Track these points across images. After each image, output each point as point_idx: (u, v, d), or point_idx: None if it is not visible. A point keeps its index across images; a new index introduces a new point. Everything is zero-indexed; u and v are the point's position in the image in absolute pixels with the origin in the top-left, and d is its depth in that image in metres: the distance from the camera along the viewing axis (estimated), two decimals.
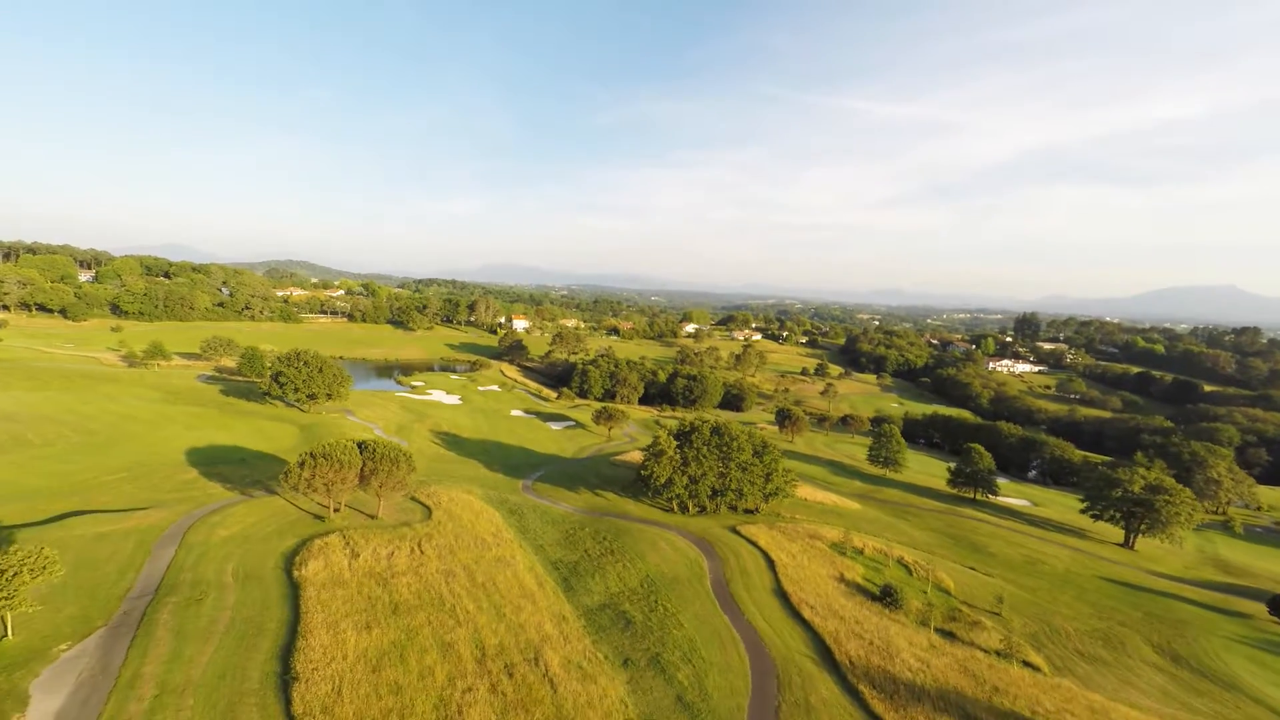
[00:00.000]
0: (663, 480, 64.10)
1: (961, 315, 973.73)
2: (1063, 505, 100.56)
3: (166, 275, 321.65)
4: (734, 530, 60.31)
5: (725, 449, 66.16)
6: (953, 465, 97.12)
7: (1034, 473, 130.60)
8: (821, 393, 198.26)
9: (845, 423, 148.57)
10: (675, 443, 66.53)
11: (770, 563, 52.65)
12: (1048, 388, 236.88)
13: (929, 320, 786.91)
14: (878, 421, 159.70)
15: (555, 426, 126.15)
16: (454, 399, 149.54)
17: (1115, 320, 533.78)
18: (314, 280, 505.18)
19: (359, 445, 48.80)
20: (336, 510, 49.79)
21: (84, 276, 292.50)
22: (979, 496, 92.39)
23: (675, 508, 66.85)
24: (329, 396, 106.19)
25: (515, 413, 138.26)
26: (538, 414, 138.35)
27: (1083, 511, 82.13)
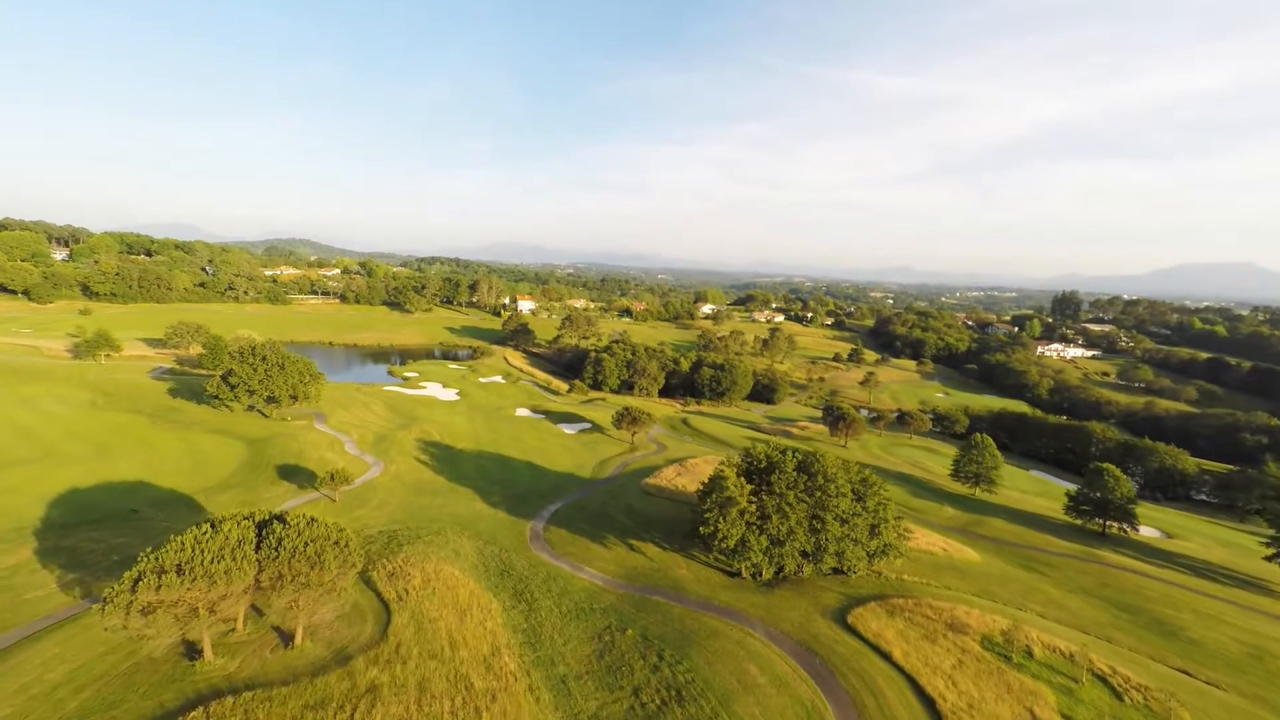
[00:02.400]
0: (733, 542, 44.48)
1: (974, 294, 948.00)
2: (1206, 537, 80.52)
3: (148, 253, 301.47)
4: (844, 624, 40.68)
5: (819, 493, 46.26)
6: (1072, 490, 77.07)
7: (1134, 484, 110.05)
8: (861, 382, 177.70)
9: (901, 421, 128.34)
10: (748, 486, 46.61)
11: (926, 699, 33.22)
12: (1106, 375, 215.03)
13: (943, 299, 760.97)
14: (940, 420, 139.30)
15: (568, 430, 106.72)
16: (451, 394, 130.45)
17: (1136, 298, 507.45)
18: (312, 258, 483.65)
19: (258, 528, 29.04)
20: (231, 631, 30.36)
21: (59, 255, 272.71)
22: (1109, 529, 72.54)
23: (746, 573, 47.48)
24: (293, 398, 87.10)
25: (521, 412, 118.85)
26: (547, 413, 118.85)
27: (1272, 559, 62.28)
